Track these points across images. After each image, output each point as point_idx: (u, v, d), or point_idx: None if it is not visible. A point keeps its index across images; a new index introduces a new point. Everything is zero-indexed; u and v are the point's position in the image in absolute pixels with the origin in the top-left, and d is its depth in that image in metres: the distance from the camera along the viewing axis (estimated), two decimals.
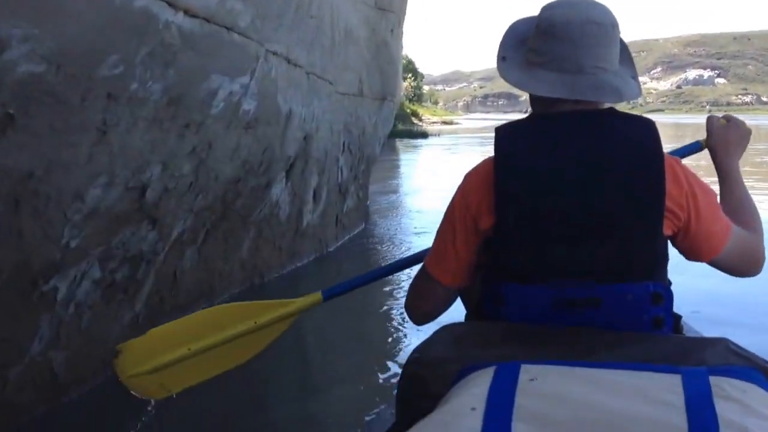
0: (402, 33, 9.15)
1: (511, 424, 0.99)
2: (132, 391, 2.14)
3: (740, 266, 1.74)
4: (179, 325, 2.19)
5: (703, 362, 1.29)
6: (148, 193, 3.14)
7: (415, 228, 8.80)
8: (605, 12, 1.64)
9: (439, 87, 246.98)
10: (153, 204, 3.24)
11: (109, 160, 2.73)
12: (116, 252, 3.16)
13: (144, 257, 3.42)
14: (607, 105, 1.69)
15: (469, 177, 1.70)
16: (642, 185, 1.55)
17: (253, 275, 5.15)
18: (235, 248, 4.79)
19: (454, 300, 1.85)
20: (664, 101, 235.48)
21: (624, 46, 1.74)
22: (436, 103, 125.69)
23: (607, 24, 1.62)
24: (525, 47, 1.73)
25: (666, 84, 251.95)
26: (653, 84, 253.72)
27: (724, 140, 1.96)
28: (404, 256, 2.30)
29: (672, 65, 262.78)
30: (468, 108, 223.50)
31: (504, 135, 1.65)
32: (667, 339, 1.50)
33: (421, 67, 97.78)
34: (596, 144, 1.58)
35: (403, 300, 1.92)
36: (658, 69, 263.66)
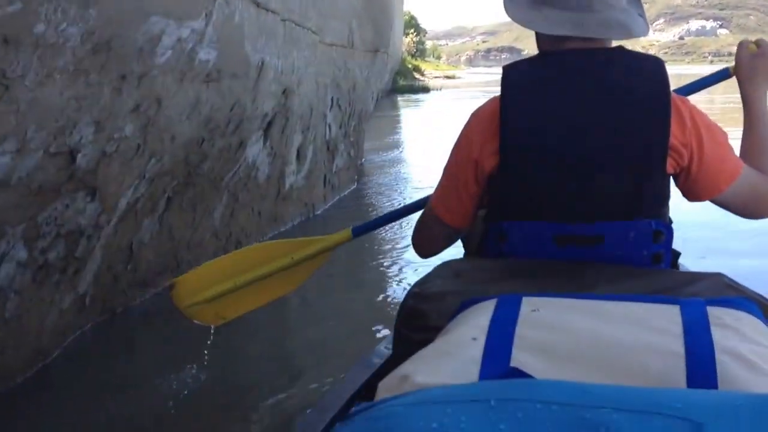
0: None
1: (511, 353, 1.00)
2: (192, 319, 2.36)
3: (749, 208, 1.69)
4: (224, 262, 2.36)
5: (700, 294, 1.30)
6: (79, 158, 2.63)
7: (414, 182, 8.31)
8: None
9: (442, 42, 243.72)
10: (88, 171, 2.73)
11: (16, 121, 2.22)
12: (46, 229, 2.67)
13: (84, 232, 2.93)
14: (615, 43, 1.66)
15: (474, 116, 1.66)
16: (647, 123, 1.52)
17: (227, 244, 4.66)
18: (206, 215, 4.30)
19: (457, 238, 1.84)
20: (666, 52, 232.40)
21: None
22: (438, 57, 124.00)
23: None
24: None
25: (669, 35, 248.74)
26: (656, 35, 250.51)
27: (750, 69, 1.83)
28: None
29: (674, 16, 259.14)
30: (471, 62, 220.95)
31: (511, 73, 1.61)
32: (667, 273, 1.52)
33: (424, 22, 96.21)
34: (603, 81, 1.55)
35: (403, 246, 1.97)
36: (661, 20, 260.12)
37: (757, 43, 1.85)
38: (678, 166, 1.57)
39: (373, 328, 3.74)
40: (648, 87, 1.55)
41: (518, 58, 1.73)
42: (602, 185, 1.54)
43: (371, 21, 7.31)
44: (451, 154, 1.70)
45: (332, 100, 6.55)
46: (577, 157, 1.53)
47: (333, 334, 3.75)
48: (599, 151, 1.53)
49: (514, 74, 1.62)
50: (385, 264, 5.04)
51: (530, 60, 1.66)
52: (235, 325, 2.53)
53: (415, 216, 1.94)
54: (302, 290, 4.04)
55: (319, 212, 6.43)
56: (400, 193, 7.89)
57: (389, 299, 4.30)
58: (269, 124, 4.78)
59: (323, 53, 5.91)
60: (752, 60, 1.83)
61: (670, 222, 1.64)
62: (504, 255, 1.59)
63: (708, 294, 1.31)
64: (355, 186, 7.86)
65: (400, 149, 11.92)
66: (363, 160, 9.53)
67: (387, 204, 7.13)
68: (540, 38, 1.68)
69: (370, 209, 7.06)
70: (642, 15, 1.71)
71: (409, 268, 4.78)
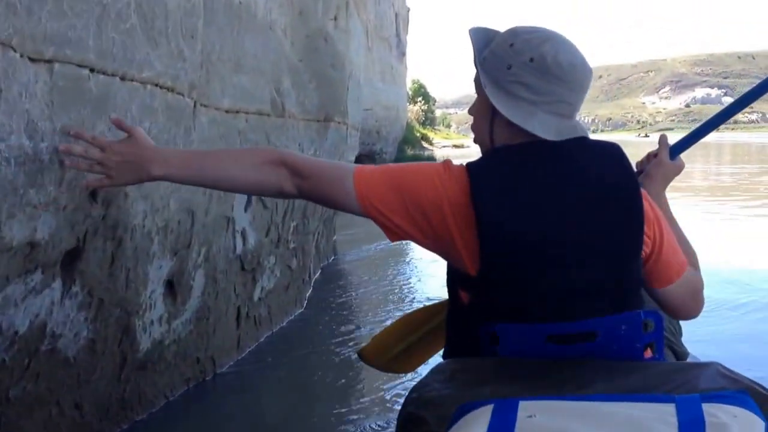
0: (355, 27, 6.33)
1: None
2: (391, 372, 2.72)
3: (687, 302, 1.71)
4: (393, 329, 2.43)
5: (696, 388, 1.31)
6: None
7: (405, 294, 5.97)
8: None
9: (452, 110, 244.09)
10: None
11: None
12: None
13: None
14: None
15: (449, 167, 1.59)
16: (623, 214, 1.54)
17: None
18: None
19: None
20: (673, 120, 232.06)
21: None
22: (448, 126, 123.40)
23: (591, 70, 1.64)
24: (485, 66, 1.63)
25: (675, 103, 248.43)
26: (662, 103, 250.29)
27: (647, 173, 2.01)
28: None
29: (680, 84, 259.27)
30: None
31: (478, 174, 1.54)
32: (661, 366, 1.50)
33: (433, 91, 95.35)
34: (575, 174, 1.54)
35: None
36: (667, 88, 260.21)
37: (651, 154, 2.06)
38: (644, 255, 1.59)
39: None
40: (617, 173, 1.56)
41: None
42: (590, 280, 1.52)
43: (316, 79, 5.07)
44: (411, 173, 1.59)
45: (248, 199, 4.26)
46: (562, 257, 1.51)
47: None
48: (581, 246, 1.51)
49: (483, 176, 1.54)
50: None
51: (494, 156, 1.61)
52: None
53: None
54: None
55: (225, 369, 4.09)
56: (375, 315, 5.55)
57: None
58: (73, 255, 2.48)
59: (218, 123, 3.65)
60: (647, 164, 2.06)
61: (657, 290, 1.66)
62: (497, 355, 1.52)
63: (704, 386, 1.31)
64: (302, 310, 5.51)
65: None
66: (325, 264, 7.20)
67: (347, 348, 4.77)
68: (500, 130, 1.63)
69: (318, 353, 4.70)
70: None
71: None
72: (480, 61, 1.65)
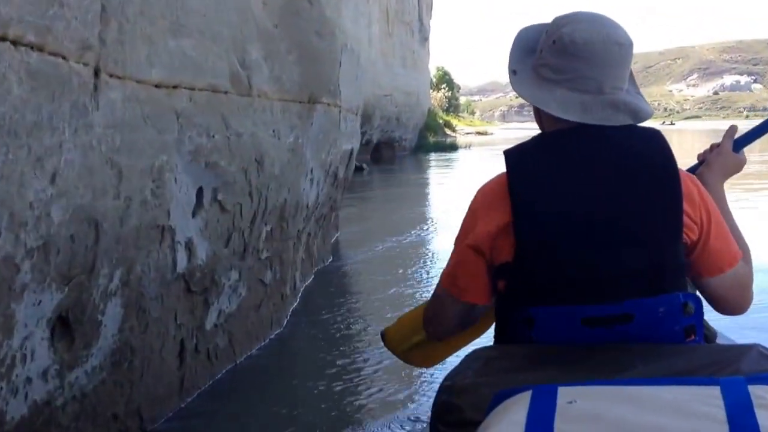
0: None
1: None
2: (408, 363, 2.40)
3: (735, 297, 1.63)
4: (413, 315, 2.22)
5: (739, 371, 1.28)
6: None
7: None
8: (623, 31, 1.59)
9: (476, 97, 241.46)
10: None
11: None
12: None
13: None
14: None
15: (480, 197, 1.64)
16: (658, 197, 1.51)
17: None
18: None
19: (472, 317, 1.72)
20: (701, 107, 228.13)
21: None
22: (473, 113, 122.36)
23: (627, 44, 1.58)
24: (533, 59, 1.66)
25: (703, 90, 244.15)
26: (690, 91, 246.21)
27: (707, 163, 1.93)
28: None
29: (708, 72, 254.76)
30: (504, 118, 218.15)
31: (515, 159, 1.59)
32: (701, 349, 1.47)
33: (458, 78, 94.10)
34: (611, 157, 1.54)
35: None
36: (695, 76, 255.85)
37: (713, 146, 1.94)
38: (688, 240, 1.55)
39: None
40: (656, 159, 1.53)
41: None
42: (625, 262, 1.50)
43: (297, 50, 4.08)
44: (460, 228, 1.65)
45: (199, 192, 3.28)
46: (594, 238, 1.50)
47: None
48: (618, 228, 1.50)
49: (520, 160, 1.58)
50: None
51: (533, 143, 1.62)
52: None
53: None
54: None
55: (159, 423, 3.11)
56: (374, 332, 4.58)
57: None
58: None
59: (140, 101, 2.68)
60: (709, 154, 1.93)
61: (705, 280, 1.59)
62: (532, 340, 1.52)
63: (747, 369, 1.28)
64: (280, 330, 4.54)
65: (405, 235, 8.62)
66: (321, 267, 6.22)
67: (334, 381, 3.79)
68: (545, 115, 1.64)
69: (294, 389, 3.73)
70: (640, 94, 1.66)
71: None
72: (524, 54, 1.68)
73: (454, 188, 15.76)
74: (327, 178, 5.17)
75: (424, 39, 30.79)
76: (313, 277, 5.98)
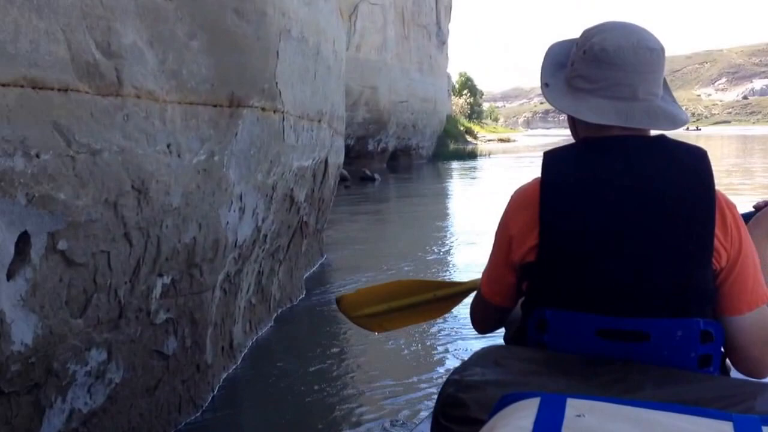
0: None
1: None
2: (359, 327, 2.61)
3: (757, 347, 1.51)
4: (378, 289, 2.57)
5: (753, 408, 1.24)
6: None
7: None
8: (654, 37, 1.56)
9: (500, 104, 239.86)
10: None
11: None
12: None
13: None
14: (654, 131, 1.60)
15: (514, 197, 1.63)
16: (690, 217, 1.46)
17: None
18: None
19: (506, 317, 1.77)
20: (730, 112, 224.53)
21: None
22: (496, 119, 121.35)
23: (658, 49, 1.55)
24: (565, 72, 1.66)
25: (732, 95, 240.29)
26: (718, 95, 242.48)
27: (762, 214, 1.92)
28: None
29: (737, 75, 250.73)
30: (528, 124, 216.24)
31: (551, 159, 1.57)
32: (717, 380, 1.40)
33: (481, 84, 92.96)
34: (644, 171, 1.49)
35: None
36: (723, 80, 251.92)
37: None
38: (717, 266, 1.48)
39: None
40: (692, 180, 1.48)
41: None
42: (648, 279, 1.45)
43: (207, 35, 2.92)
44: (496, 233, 1.65)
45: (21, 241, 2.14)
46: (619, 248, 1.46)
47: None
48: (644, 244, 1.46)
49: (556, 161, 1.57)
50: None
51: (572, 147, 1.61)
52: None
53: None
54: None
55: None
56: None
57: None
58: None
59: None
60: (758, 215, 1.92)
61: (719, 322, 1.49)
62: (544, 344, 1.50)
63: (761, 408, 1.24)
64: (198, 413, 3.37)
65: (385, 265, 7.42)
66: (285, 309, 5.04)
67: None
68: (579, 124, 1.63)
69: None
70: (675, 101, 1.64)
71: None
72: (556, 67, 1.69)
73: (473, 202, 14.55)
74: (274, 204, 4.00)
75: (442, 43, 29.60)
76: (272, 323, 4.82)
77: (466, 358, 1.50)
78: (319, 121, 4.56)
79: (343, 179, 18.37)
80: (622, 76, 1.52)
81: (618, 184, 1.48)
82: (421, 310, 2.53)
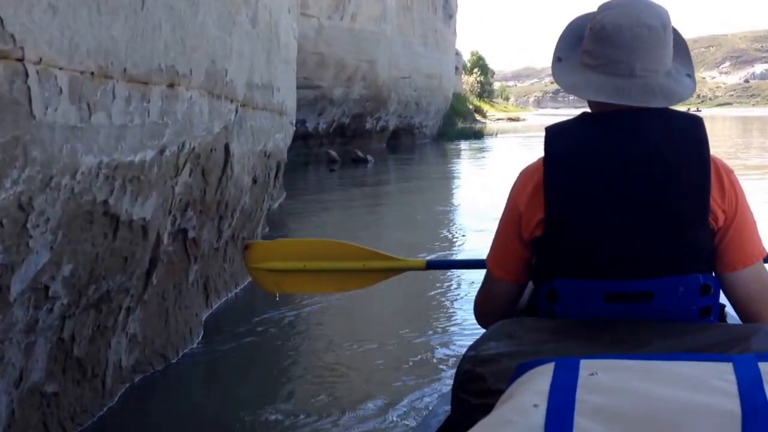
0: None
1: (573, 419, 0.98)
2: (252, 280, 2.41)
3: (754, 298, 1.56)
4: (301, 244, 2.37)
5: (749, 348, 1.30)
6: None
7: None
8: (657, 14, 1.53)
9: (511, 83, 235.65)
10: None
11: None
12: None
13: None
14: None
15: (520, 176, 1.62)
16: (687, 182, 1.48)
17: None
18: None
19: (516, 296, 1.70)
20: (732, 95, 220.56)
21: (681, 43, 1.63)
22: (507, 99, 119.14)
23: (658, 26, 1.52)
24: (580, 47, 1.62)
25: (734, 78, 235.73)
26: (722, 78, 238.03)
27: None
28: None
29: (740, 60, 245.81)
30: (539, 103, 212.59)
31: (553, 133, 1.58)
32: (715, 328, 1.45)
33: (492, 63, 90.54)
34: (643, 140, 1.50)
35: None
36: (727, 63, 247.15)
37: None
38: (714, 227, 1.51)
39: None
40: (689, 147, 1.50)
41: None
42: (650, 242, 1.48)
43: None
44: (503, 212, 1.63)
45: None
46: (622, 216, 1.48)
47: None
48: (643, 209, 1.48)
49: (556, 136, 1.57)
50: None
51: (573, 121, 1.61)
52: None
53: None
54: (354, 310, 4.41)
55: None
56: None
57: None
58: None
59: None
60: None
61: (716, 275, 1.55)
62: (555, 314, 1.52)
63: (756, 347, 1.30)
64: None
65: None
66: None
67: None
68: (591, 101, 1.61)
69: None
70: (690, 74, 1.62)
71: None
72: (573, 42, 1.65)
73: (475, 186, 12.51)
74: (47, 234, 2.02)
75: (449, 17, 27.27)
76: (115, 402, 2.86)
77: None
78: (172, 85, 2.56)
79: (331, 161, 16.21)
80: (619, 54, 1.51)
81: (617, 154, 1.48)
82: (342, 278, 2.31)
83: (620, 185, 1.47)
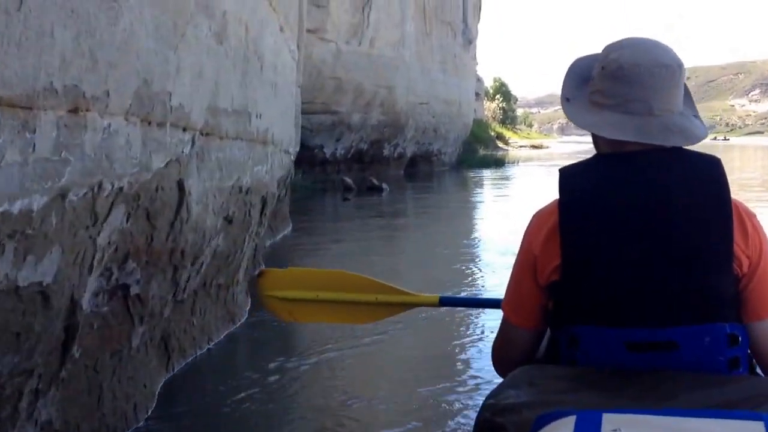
0: None
1: None
2: (265, 308, 2.40)
3: None
4: (314, 274, 2.36)
5: None
6: None
7: None
8: (671, 54, 1.55)
9: (534, 110, 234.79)
10: None
11: None
12: None
13: None
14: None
15: (534, 219, 1.59)
16: (708, 225, 1.45)
17: None
18: None
19: (533, 343, 1.64)
20: (763, 123, 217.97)
21: (685, 85, 1.61)
22: (530, 125, 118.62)
23: (674, 66, 1.53)
24: (588, 87, 1.62)
25: (765, 106, 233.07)
26: (752, 106, 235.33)
27: None
28: None
29: None
30: (563, 131, 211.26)
31: (568, 176, 1.55)
32: (746, 381, 1.40)
33: (515, 89, 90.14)
34: (661, 183, 1.48)
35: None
36: (757, 91, 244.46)
37: None
38: (739, 273, 1.46)
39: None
40: (708, 189, 1.47)
41: None
42: (672, 289, 1.43)
43: None
44: (517, 256, 1.59)
45: None
46: (642, 261, 1.44)
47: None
48: (666, 254, 1.44)
49: (572, 177, 1.55)
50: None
51: (587, 163, 1.57)
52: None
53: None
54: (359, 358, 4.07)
55: None
56: None
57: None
58: None
59: None
60: None
61: (745, 325, 1.48)
62: (576, 361, 1.47)
63: None
64: None
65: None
66: None
67: None
68: (598, 138, 1.59)
69: None
70: (697, 116, 1.61)
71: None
72: (578, 82, 1.65)
73: (491, 221, 11.86)
74: None
75: (469, 42, 26.77)
76: None
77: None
78: (75, 110, 1.93)
79: (347, 188, 15.63)
80: (638, 92, 1.51)
81: (635, 198, 1.46)
82: (354, 310, 2.30)
83: (638, 229, 1.45)
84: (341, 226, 10.40)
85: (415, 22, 20.43)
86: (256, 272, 2.38)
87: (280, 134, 4.96)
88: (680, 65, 1.54)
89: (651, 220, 1.44)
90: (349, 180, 15.35)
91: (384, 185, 15.21)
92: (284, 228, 8.92)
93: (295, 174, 16.16)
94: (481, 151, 35.22)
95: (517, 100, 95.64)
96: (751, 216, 1.50)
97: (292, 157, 6.82)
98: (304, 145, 17.97)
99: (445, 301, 2.30)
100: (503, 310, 1.64)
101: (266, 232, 7.44)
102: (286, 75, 5.25)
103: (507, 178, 22.59)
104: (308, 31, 16.39)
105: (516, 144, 54.36)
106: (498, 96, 69.28)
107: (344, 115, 17.80)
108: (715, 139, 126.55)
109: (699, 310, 1.43)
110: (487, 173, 24.20)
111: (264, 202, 4.74)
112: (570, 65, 1.71)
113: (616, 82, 1.52)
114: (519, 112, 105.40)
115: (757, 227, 1.49)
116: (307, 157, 18.09)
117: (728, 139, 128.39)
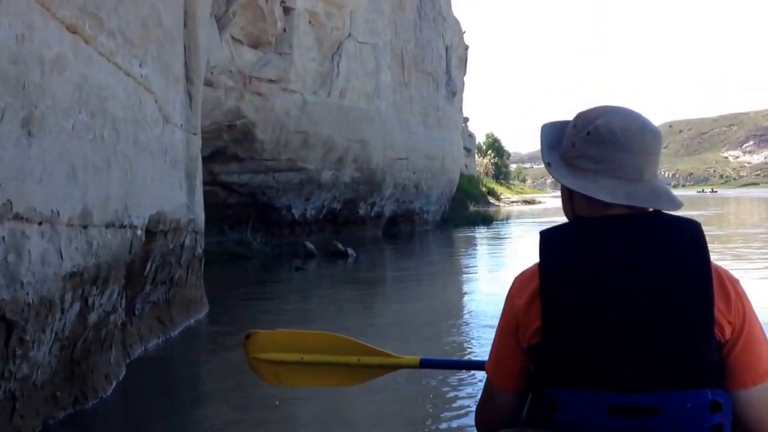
0: None
1: None
2: (252, 371, 2.34)
3: (765, 423, 1.50)
4: (300, 335, 2.33)
5: None
6: None
7: None
8: (652, 122, 1.62)
9: (528, 165, 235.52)
10: None
11: None
12: None
13: None
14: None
15: (516, 282, 1.62)
16: (688, 289, 1.47)
17: None
18: None
19: (521, 408, 1.67)
20: (758, 174, 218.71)
21: None
22: (524, 180, 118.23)
23: (659, 133, 1.60)
24: (559, 151, 1.67)
25: (759, 157, 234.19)
26: (746, 158, 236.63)
27: None
28: None
29: (764, 138, 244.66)
30: (556, 185, 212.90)
31: (549, 239, 1.59)
32: None
33: (508, 145, 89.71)
34: (642, 247, 1.51)
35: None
36: (750, 143, 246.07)
37: None
38: (721, 338, 1.48)
39: None
40: (688, 253, 1.49)
41: None
42: (653, 354, 1.45)
43: None
44: (499, 319, 1.63)
45: None
46: (622, 324, 1.45)
47: None
48: (645, 320, 1.45)
49: (552, 240, 1.57)
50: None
51: (567, 226, 1.61)
52: None
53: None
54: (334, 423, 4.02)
55: None
56: None
57: None
58: None
59: None
60: None
61: (729, 392, 1.49)
62: (558, 424, 1.48)
63: None
64: None
65: None
66: None
67: None
68: (577, 203, 1.63)
69: None
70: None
71: None
72: (550, 147, 1.69)
73: (473, 292, 10.28)
74: None
75: (453, 94, 25.58)
76: None
77: None
78: None
79: (308, 255, 13.92)
80: (630, 158, 1.54)
81: (617, 263, 1.47)
82: (336, 373, 2.31)
83: (619, 293, 1.45)
84: (276, 308, 8.50)
85: (392, 71, 19.21)
86: (245, 334, 2.28)
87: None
88: (661, 133, 1.60)
89: (630, 285, 1.45)
90: (310, 245, 13.73)
91: (350, 251, 13.56)
92: (200, 310, 7.29)
93: (253, 237, 14.68)
94: (472, 208, 33.95)
95: (510, 155, 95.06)
96: (734, 282, 1.52)
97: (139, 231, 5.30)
98: (269, 205, 16.59)
99: (425, 363, 2.29)
100: (487, 372, 1.65)
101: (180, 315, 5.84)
102: None
103: (498, 238, 21.11)
104: (270, 81, 15.11)
105: (508, 200, 53.13)
106: (490, 151, 68.52)
107: (313, 172, 16.40)
108: (702, 191, 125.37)
109: (681, 376, 1.43)
110: (474, 232, 22.70)
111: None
112: (541, 132, 1.73)
113: (606, 147, 1.55)
114: (512, 167, 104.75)
115: (740, 293, 1.50)
116: (273, 218, 16.63)
117: (716, 191, 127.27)
